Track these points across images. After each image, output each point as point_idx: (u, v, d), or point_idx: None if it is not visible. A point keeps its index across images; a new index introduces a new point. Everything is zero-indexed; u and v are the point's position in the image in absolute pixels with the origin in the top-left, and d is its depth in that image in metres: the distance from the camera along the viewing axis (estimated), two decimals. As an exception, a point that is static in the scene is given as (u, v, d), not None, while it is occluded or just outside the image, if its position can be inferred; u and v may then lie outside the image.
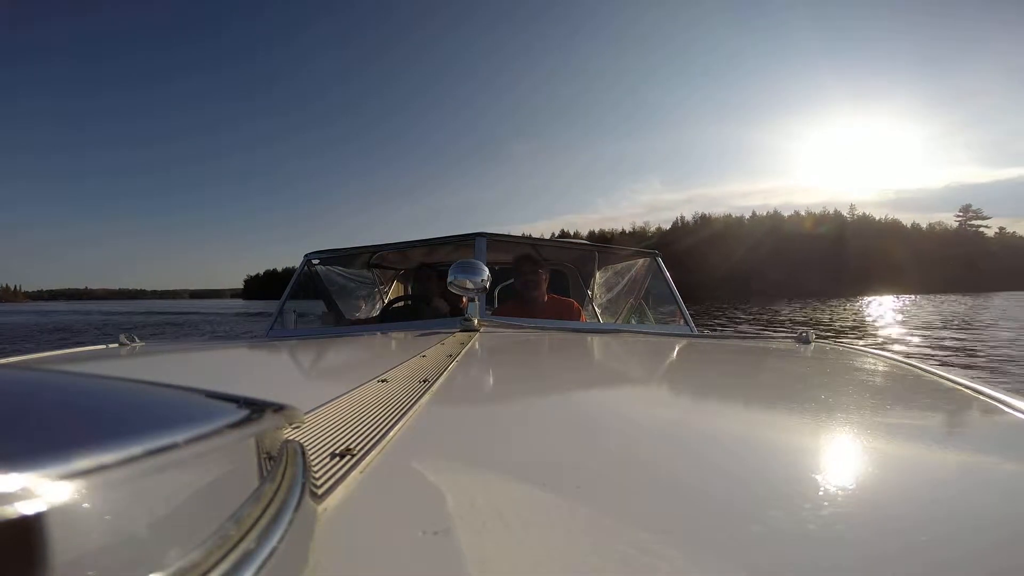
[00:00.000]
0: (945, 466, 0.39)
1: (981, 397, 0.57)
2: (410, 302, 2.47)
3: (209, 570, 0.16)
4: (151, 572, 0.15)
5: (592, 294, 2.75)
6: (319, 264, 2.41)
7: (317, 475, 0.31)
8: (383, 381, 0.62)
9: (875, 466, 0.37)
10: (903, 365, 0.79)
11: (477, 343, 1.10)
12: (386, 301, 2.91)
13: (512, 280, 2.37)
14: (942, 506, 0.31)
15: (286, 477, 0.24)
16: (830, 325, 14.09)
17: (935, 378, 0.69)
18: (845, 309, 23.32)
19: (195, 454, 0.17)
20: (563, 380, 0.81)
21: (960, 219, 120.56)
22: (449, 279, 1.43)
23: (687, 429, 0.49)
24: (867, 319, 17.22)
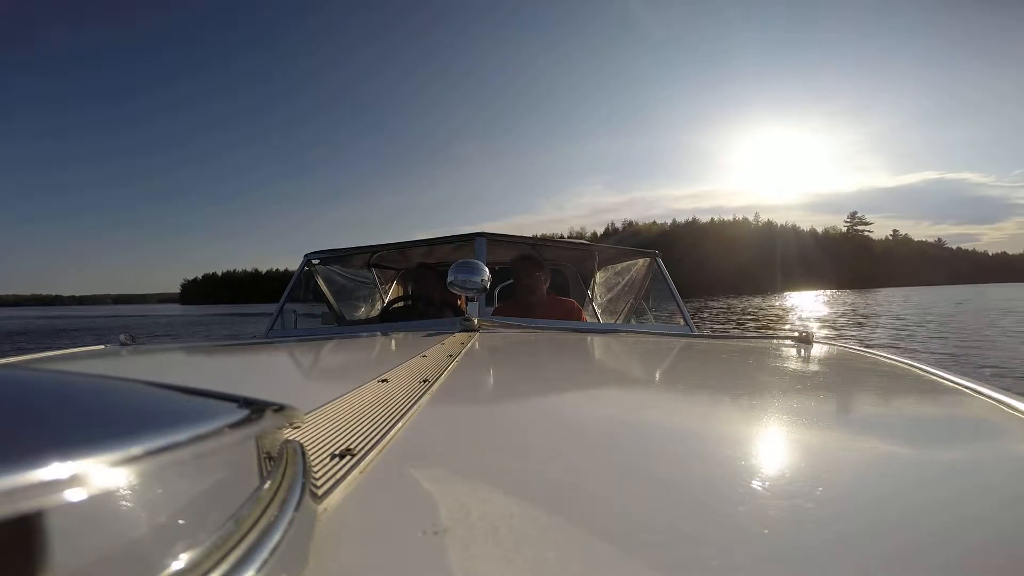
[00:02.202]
0: (945, 466, 0.39)
1: (981, 397, 0.57)
2: (410, 302, 2.48)
3: (209, 570, 0.17)
4: (151, 572, 0.15)
5: (592, 294, 2.76)
6: (319, 264, 2.41)
7: (317, 475, 0.31)
8: (383, 381, 0.62)
9: (876, 466, 0.37)
10: (903, 365, 0.79)
11: (477, 343, 1.10)
12: (386, 301, 2.92)
13: (512, 280, 2.38)
14: (942, 506, 0.31)
15: (286, 477, 0.24)
16: (716, 320, 16.38)
17: (935, 378, 0.69)
18: (719, 308, 24.72)
19: (195, 454, 0.17)
20: (563, 380, 0.81)
21: (848, 224, 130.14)
22: (449, 279, 1.43)
23: (687, 429, 0.49)
24: (758, 312, 19.82)
